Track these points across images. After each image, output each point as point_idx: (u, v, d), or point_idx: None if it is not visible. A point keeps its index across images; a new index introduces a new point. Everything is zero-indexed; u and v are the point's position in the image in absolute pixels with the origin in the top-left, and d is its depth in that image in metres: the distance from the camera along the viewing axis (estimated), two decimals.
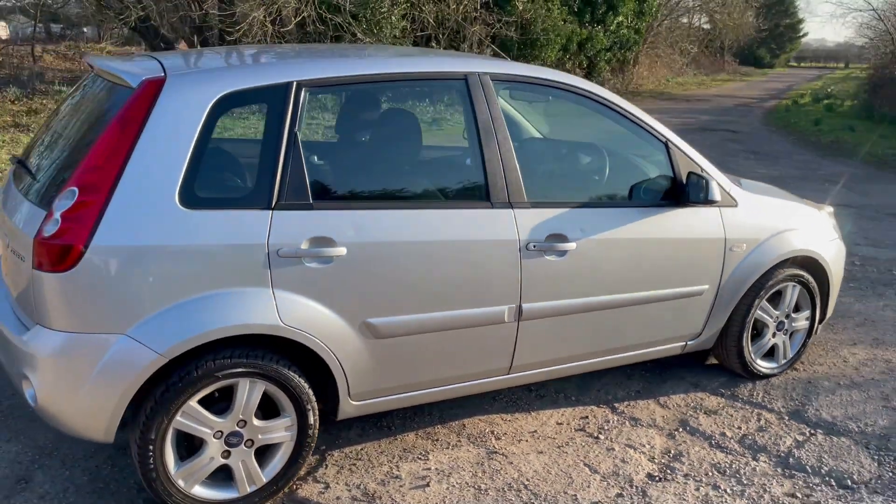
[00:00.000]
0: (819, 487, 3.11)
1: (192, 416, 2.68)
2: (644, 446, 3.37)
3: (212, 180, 2.65)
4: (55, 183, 2.64)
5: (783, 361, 4.11)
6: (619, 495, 3.01)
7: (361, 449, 3.27)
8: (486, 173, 3.08)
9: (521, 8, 19.94)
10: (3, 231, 2.90)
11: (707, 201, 3.41)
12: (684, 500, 3.00)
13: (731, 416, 3.68)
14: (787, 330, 4.06)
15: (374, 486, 3.00)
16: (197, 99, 2.63)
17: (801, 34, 71.17)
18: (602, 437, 3.44)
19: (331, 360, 2.84)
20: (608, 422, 3.57)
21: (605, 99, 3.46)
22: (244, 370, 2.69)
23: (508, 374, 3.31)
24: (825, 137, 15.14)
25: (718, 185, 3.50)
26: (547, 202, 3.21)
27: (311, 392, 2.85)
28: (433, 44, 18.36)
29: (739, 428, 3.57)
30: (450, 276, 3.01)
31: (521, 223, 3.12)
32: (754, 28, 50.28)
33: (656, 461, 3.27)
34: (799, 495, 3.05)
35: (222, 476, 2.83)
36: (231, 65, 2.94)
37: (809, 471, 3.23)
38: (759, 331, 3.99)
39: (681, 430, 3.53)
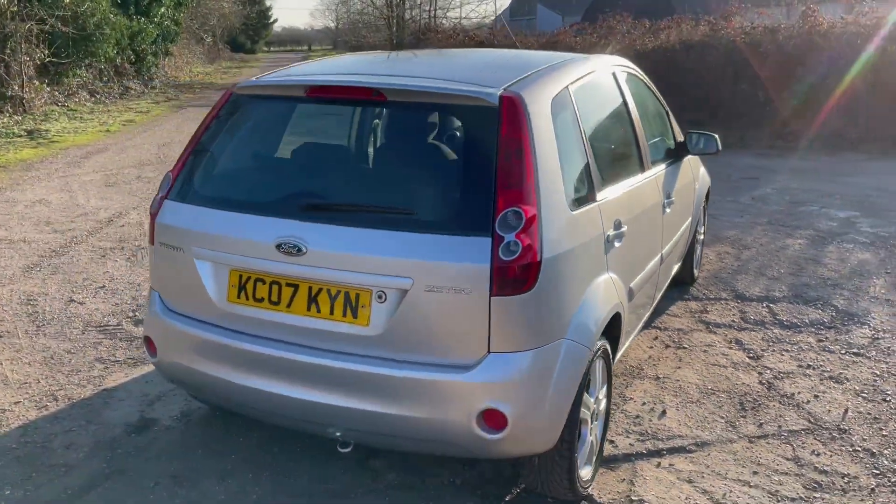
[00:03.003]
0: (822, 332, 4.56)
1: (584, 403, 2.85)
2: (716, 343, 4.41)
3: (571, 181, 2.80)
4: (460, 207, 2.52)
5: (698, 266, 5.53)
6: (761, 374, 4.01)
7: None
8: (639, 146, 3.70)
9: (67, 1, 18.00)
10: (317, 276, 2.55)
11: (718, 151, 4.53)
12: (785, 361, 4.14)
13: (716, 308, 4.94)
14: (699, 242, 5.47)
15: (635, 428, 3.47)
16: (544, 106, 2.74)
17: (271, 21, 76.02)
18: (686, 346, 4.37)
19: (622, 327, 3.23)
20: (670, 336, 4.50)
21: (649, 83, 4.30)
22: (599, 350, 2.95)
23: (651, 309, 4.02)
24: None
25: None
26: (654, 167, 3.95)
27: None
28: None
29: (731, 314, 4.84)
30: (649, 235, 3.61)
31: (659, 185, 3.83)
32: (243, 16, 52.31)
33: (735, 348, 4.34)
34: (824, 340, 4.45)
35: None
36: (518, 70, 2.94)
37: (802, 325, 4.66)
38: (693, 248, 5.31)
39: (711, 327, 4.66)
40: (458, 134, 2.70)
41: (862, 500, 2.94)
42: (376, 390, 2.55)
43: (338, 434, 2.74)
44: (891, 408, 3.63)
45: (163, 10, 22.60)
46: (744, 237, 6.56)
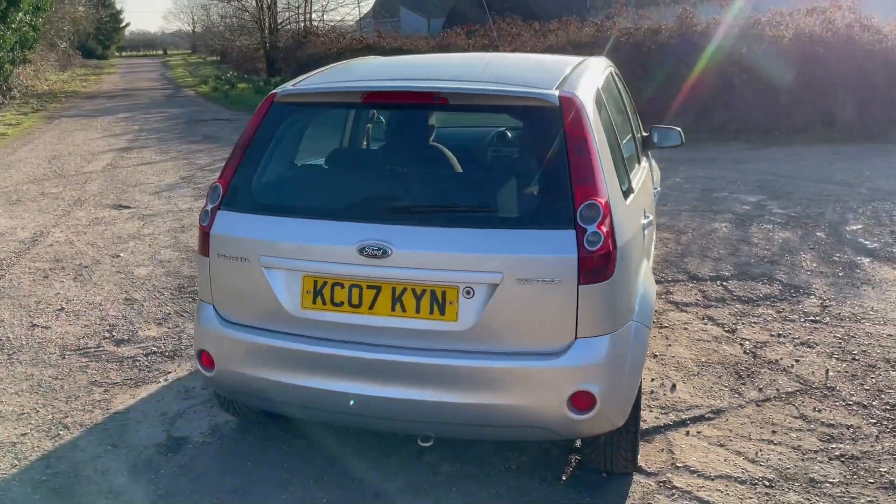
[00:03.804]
0: (777, 304, 5.01)
1: None
2: (691, 321, 4.76)
3: (619, 174, 2.99)
4: (542, 202, 2.66)
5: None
6: (742, 345, 4.38)
7: None
8: (635, 140, 3.96)
9: None
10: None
11: (682, 144, 4.87)
12: (758, 332, 4.55)
13: (678, 289, 5.31)
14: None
15: (654, 403, 3.73)
16: (591, 105, 2.92)
17: (123, 25, 72.35)
18: (667, 325, 4.69)
19: None
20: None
21: (623, 81, 4.58)
22: None
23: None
24: None
25: None
26: (643, 160, 4.23)
27: None
28: None
29: (693, 294, 5.22)
30: (653, 223, 3.88)
31: (650, 176, 4.12)
32: (96, 20, 49.51)
33: (709, 324, 4.71)
34: (782, 311, 4.90)
35: None
36: (552, 72, 3.09)
37: (758, 299, 5.11)
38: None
39: (680, 306, 5.01)
40: (520, 133, 2.84)
41: (872, 445, 3.32)
42: (467, 383, 2.65)
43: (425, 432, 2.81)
44: (862, 365, 4.08)
45: (20, 15, 21.10)
46: (675, 223, 7.04)
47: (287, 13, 30.77)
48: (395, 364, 2.68)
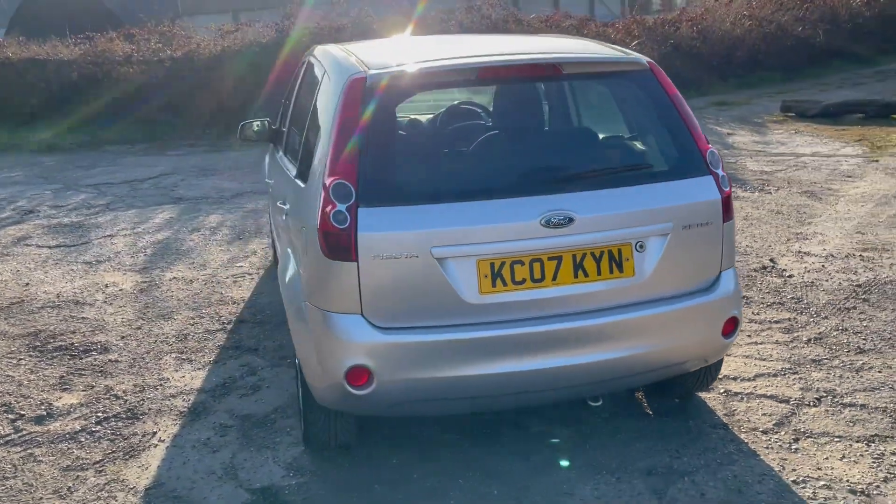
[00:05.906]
0: None
1: None
2: None
3: None
4: (683, 153, 2.91)
5: None
6: None
7: None
8: None
9: None
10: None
11: None
12: None
13: None
14: None
15: None
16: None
17: None
18: None
19: None
20: None
21: None
22: None
23: None
24: None
25: None
26: None
27: None
28: None
29: None
30: None
31: None
32: None
33: None
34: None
35: None
36: (590, 46, 3.27)
37: None
38: None
39: None
40: (628, 95, 3.02)
41: (818, 328, 4.19)
42: (647, 332, 2.82)
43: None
44: (743, 277, 5.03)
45: None
46: None
47: None
48: (583, 329, 2.73)
